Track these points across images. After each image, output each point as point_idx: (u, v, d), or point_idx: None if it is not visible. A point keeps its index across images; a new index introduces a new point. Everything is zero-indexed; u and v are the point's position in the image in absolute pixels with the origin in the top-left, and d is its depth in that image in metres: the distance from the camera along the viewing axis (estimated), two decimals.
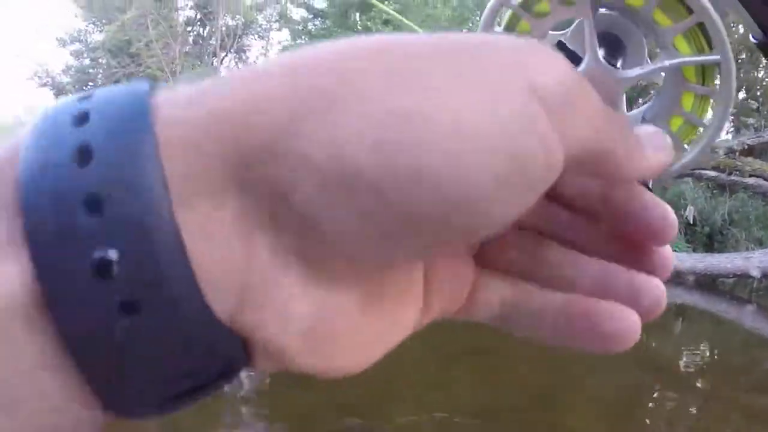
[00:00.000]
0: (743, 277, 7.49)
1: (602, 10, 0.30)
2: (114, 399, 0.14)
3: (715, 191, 10.46)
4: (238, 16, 20.77)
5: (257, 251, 0.13)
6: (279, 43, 23.23)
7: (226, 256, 0.13)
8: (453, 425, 3.23)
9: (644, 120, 0.33)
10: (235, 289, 0.13)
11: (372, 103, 0.13)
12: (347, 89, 0.14)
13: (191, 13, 23.51)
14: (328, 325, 0.15)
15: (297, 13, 20.46)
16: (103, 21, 23.47)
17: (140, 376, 0.13)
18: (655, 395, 3.99)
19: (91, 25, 25.28)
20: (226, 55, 23.17)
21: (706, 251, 9.35)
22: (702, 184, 9.60)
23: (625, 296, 0.20)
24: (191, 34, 24.18)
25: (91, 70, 25.37)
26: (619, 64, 0.31)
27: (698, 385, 4.39)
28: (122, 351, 0.12)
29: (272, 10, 22.11)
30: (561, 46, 0.32)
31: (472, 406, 3.52)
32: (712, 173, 6.77)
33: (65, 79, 25.99)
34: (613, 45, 0.31)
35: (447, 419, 3.26)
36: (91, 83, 24.85)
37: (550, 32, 0.33)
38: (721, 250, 9.33)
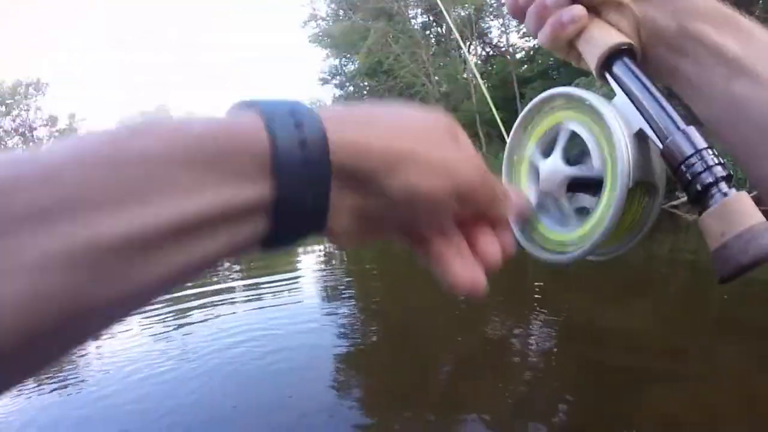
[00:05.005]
0: None
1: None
2: (273, 239, 0.29)
3: None
4: (467, 5, 21.31)
5: (342, 200, 0.30)
6: None
7: (336, 203, 0.29)
8: None
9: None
10: (331, 209, 0.29)
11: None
12: (416, 158, 0.32)
13: (424, 18, 24.92)
14: (351, 229, 0.32)
15: None
16: (351, 52, 26.36)
17: (299, 223, 0.29)
18: None
19: (343, 59, 28.71)
20: (470, 44, 23.79)
21: None
22: None
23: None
24: (431, 36, 25.58)
25: (356, 94, 28.67)
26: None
27: None
28: (301, 207, 0.28)
29: None
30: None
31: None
32: None
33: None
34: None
35: None
36: None
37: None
38: None
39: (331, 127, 0.29)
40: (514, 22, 23.94)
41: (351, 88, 29.77)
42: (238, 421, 3.22)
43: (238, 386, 3.70)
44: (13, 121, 41.62)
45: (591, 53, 0.49)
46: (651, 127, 0.44)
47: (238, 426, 3.19)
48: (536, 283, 6.11)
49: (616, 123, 0.45)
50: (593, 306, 5.08)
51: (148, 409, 3.46)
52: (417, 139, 0.33)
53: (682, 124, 0.42)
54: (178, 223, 0.24)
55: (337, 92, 30.62)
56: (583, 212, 0.49)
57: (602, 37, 0.48)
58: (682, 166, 0.41)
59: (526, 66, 21.59)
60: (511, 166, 0.54)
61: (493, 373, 3.78)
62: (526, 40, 23.55)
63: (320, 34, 29.80)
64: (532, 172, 0.53)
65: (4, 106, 40.57)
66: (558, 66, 20.09)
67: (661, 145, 0.43)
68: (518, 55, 23.17)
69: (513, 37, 24.62)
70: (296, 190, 0.28)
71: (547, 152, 0.51)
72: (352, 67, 28.80)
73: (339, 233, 0.32)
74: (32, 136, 41.69)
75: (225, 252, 0.27)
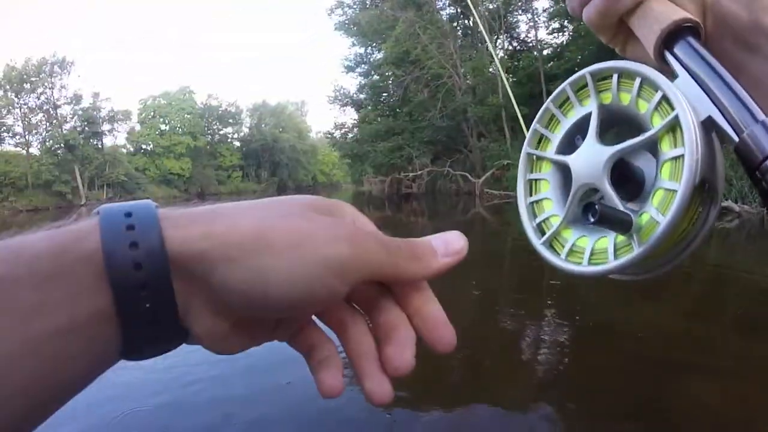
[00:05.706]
0: None
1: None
2: (129, 348, 0.28)
3: None
4: None
5: (194, 299, 0.28)
6: (544, 11, 22.98)
7: (181, 300, 0.28)
8: None
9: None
10: (182, 312, 0.28)
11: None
12: (253, 262, 0.28)
13: (452, 10, 24.90)
14: (216, 330, 0.30)
15: None
16: (378, 41, 26.42)
17: (147, 336, 0.28)
18: None
19: (369, 48, 28.69)
20: (497, 38, 23.70)
21: None
22: None
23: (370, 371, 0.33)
24: (459, 28, 25.56)
25: (381, 84, 28.83)
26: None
27: None
28: (144, 311, 0.27)
29: None
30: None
31: None
32: None
33: (362, 96, 29.72)
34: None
35: None
36: (384, 94, 27.97)
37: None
38: None
39: (170, 223, 0.28)
40: (542, 17, 23.77)
41: (376, 77, 29.82)
42: (259, 398, 3.27)
43: (256, 364, 3.79)
44: (38, 98, 42.12)
45: (649, 29, 0.41)
46: (723, 116, 0.37)
47: (262, 400, 3.23)
48: (551, 282, 6.00)
49: (684, 105, 0.37)
50: (619, 302, 5.08)
51: (172, 379, 3.58)
52: (266, 218, 0.30)
53: (761, 115, 0.36)
54: (23, 344, 0.25)
55: (363, 81, 30.69)
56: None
57: (664, 12, 0.41)
58: (765, 164, 0.34)
59: (553, 63, 21.47)
60: (531, 164, 0.48)
61: (522, 366, 3.83)
62: (554, 37, 23.47)
63: (347, 21, 29.89)
64: (557, 173, 0.46)
65: (29, 84, 41.05)
66: (586, 65, 19.96)
67: (736, 138, 0.36)
68: (546, 52, 23.05)
69: (541, 33, 24.48)
70: (133, 294, 0.26)
71: (571, 149, 0.44)
72: (378, 56, 28.84)
73: (205, 336, 0.30)
74: (56, 113, 42.22)
75: (82, 369, 0.27)
